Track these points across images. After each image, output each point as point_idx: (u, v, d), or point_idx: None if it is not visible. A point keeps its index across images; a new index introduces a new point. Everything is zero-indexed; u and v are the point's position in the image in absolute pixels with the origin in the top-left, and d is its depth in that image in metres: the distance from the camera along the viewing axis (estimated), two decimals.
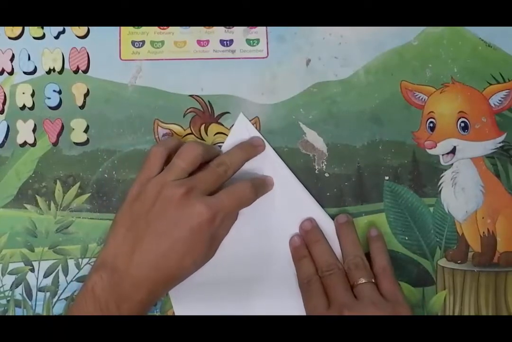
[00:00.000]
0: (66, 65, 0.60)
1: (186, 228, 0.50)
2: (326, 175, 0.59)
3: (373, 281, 0.53)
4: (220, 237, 0.55)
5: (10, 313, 0.56)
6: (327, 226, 0.57)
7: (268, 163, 0.58)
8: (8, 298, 0.56)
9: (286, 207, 0.57)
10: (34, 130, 0.59)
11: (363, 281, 0.53)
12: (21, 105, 0.59)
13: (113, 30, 0.60)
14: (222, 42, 0.60)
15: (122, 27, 0.60)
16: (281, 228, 0.57)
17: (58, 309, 0.56)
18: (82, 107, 0.59)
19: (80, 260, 0.57)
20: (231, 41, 0.60)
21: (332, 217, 0.57)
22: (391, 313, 0.50)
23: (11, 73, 0.59)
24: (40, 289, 0.57)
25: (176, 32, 0.60)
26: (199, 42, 0.60)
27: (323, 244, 0.56)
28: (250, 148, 0.57)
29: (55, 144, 0.59)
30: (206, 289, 0.55)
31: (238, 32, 0.61)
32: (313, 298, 0.53)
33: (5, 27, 0.60)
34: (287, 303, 0.55)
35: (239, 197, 0.53)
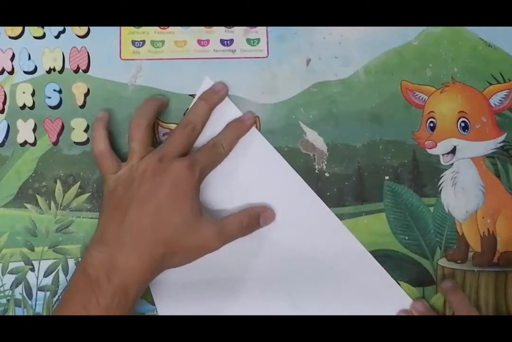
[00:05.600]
0: (67, 65, 0.60)
1: (168, 186, 0.51)
2: (326, 174, 0.59)
3: None
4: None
5: (10, 313, 0.56)
6: (328, 220, 0.57)
7: (267, 158, 0.58)
8: (8, 298, 0.56)
9: (277, 205, 0.57)
10: (34, 130, 0.59)
11: None
12: (21, 105, 0.59)
13: (113, 29, 0.60)
14: (222, 41, 0.60)
15: (122, 27, 0.60)
16: (269, 226, 0.57)
17: None
18: (82, 106, 0.59)
19: (80, 259, 0.57)
20: (232, 40, 0.60)
21: None
22: None
23: (11, 72, 0.59)
24: (40, 289, 0.57)
25: (176, 32, 0.60)
26: (199, 41, 0.60)
27: None
28: (211, 95, 0.58)
29: (55, 143, 0.59)
30: (191, 289, 0.55)
31: (238, 32, 0.61)
32: None
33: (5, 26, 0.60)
34: (272, 303, 0.56)
35: (212, 153, 0.55)
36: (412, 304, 0.57)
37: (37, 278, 0.57)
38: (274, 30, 0.61)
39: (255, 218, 0.55)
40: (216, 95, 0.58)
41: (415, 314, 0.56)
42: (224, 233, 0.53)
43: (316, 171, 0.59)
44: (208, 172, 0.55)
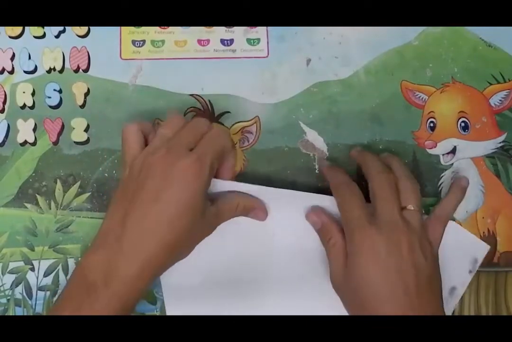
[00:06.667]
0: (67, 65, 0.60)
1: (174, 186, 0.47)
2: None
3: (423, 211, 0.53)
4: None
5: (10, 312, 0.56)
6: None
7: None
8: (8, 297, 0.56)
9: (283, 207, 0.57)
10: (34, 130, 0.59)
11: (412, 208, 0.52)
12: (21, 105, 0.59)
13: (113, 29, 0.60)
14: (222, 41, 0.60)
15: (122, 27, 0.60)
16: (281, 228, 0.57)
17: None
18: (82, 106, 0.59)
19: (80, 259, 0.57)
20: (232, 40, 0.60)
21: None
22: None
23: (11, 72, 0.59)
24: (40, 288, 0.57)
25: (176, 32, 0.60)
26: (199, 41, 0.60)
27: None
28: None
29: (55, 143, 0.59)
30: (201, 290, 0.55)
31: (238, 32, 0.61)
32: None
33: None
34: (286, 303, 0.55)
35: (218, 143, 0.50)
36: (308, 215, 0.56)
37: (37, 278, 0.57)
38: (274, 30, 0.61)
39: (247, 209, 0.54)
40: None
41: (316, 227, 0.55)
42: (220, 220, 0.52)
43: (316, 171, 0.59)
44: (218, 163, 0.51)
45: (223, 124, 0.59)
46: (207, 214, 0.50)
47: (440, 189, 0.59)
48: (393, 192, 0.52)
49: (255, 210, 0.55)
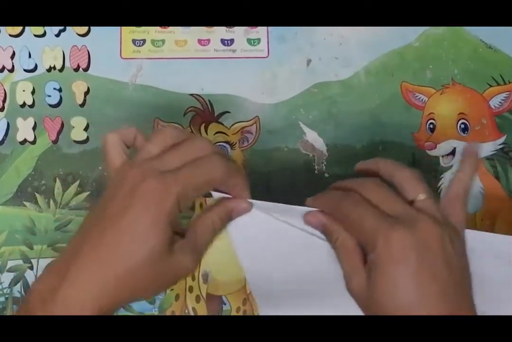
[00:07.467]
0: (67, 63, 0.60)
1: (132, 211, 0.40)
2: (326, 175, 0.59)
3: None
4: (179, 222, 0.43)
5: (8, 311, 0.56)
6: None
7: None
8: (7, 296, 0.56)
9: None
10: (34, 128, 0.59)
11: (423, 197, 0.43)
12: (21, 103, 0.59)
13: (114, 28, 0.60)
14: (223, 41, 0.60)
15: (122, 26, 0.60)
16: None
17: None
18: (82, 105, 0.59)
19: None
20: (232, 40, 0.61)
21: None
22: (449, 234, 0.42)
23: (11, 70, 0.59)
24: None
25: (177, 31, 0.60)
26: (200, 41, 0.60)
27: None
28: None
29: (55, 142, 0.59)
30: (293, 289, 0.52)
31: (239, 32, 0.61)
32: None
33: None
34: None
35: (204, 172, 0.42)
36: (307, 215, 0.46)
37: (36, 276, 0.57)
38: (275, 30, 0.61)
39: (227, 217, 0.46)
40: None
41: (315, 226, 0.46)
42: (198, 251, 0.44)
43: (316, 172, 0.59)
44: (195, 194, 0.42)
45: (222, 124, 0.59)
46: (176, 249, 0.42)
47: (439, 190, 0.59)
48: (388, 191, 0.44)
49: (233, 210, 0.46)
